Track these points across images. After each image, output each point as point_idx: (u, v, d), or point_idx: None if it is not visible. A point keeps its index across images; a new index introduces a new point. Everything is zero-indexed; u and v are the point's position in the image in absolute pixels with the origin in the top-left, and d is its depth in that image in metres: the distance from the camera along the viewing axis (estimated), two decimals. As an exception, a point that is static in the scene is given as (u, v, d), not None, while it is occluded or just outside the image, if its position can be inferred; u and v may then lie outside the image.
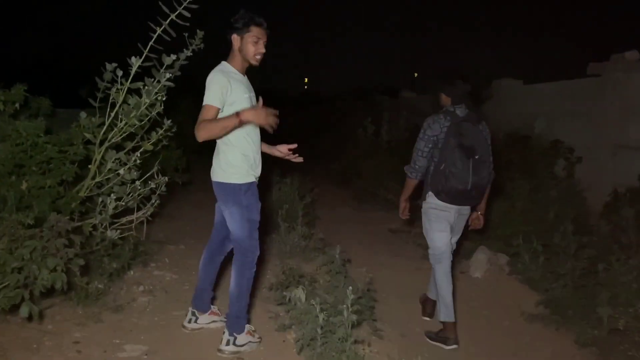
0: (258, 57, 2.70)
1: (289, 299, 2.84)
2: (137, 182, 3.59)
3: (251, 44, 2.65)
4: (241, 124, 2.51)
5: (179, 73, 4.15)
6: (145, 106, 3.34)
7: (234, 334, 2.75)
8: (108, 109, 3.35)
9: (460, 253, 4.70)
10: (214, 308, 3.09)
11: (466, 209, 3.27)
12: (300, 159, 2.96)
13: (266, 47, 2.71)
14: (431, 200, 3.19)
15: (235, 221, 2.69)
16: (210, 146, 2.78)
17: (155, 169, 3.97)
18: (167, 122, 3.58)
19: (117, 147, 3.65)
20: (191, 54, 4.11)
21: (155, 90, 3.29)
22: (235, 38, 2.66)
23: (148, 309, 3.22)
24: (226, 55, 2.74)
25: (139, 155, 3.43)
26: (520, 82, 7.90)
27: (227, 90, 2.57)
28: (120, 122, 3.40)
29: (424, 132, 3.13)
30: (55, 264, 2.47)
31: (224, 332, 2.78)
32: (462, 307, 3.67)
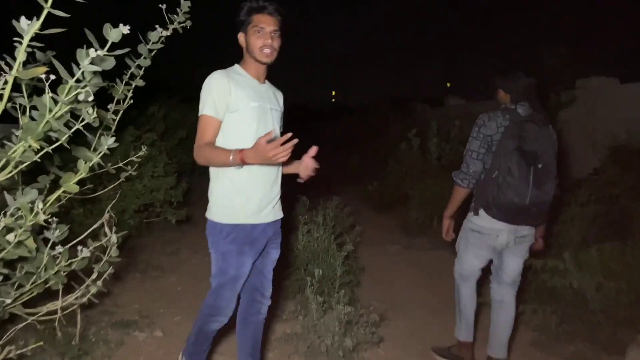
0: (266, 50, 2.12)
1: None
2: (59, 248, 2.03)
3: (254, 37, 2.13)
4: (244, 163, 1.95)
5: (148, 63, 2.67)
6: (57, 113, 1.78)
7: None
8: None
9: (594, 339, 3.00)
10: None
11: (525, 230, 2.64)
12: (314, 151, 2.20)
13: (282, 36, 2.17)
14: (474, 221, 2.68)
15: (212, 267, 2.18)
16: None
17: (104, 218, 2.42)
18: (108, 141, 2.01)
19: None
20: (169, 33, 2.66)
21: (72, 83, 1.72)
22: (240, 36, 2.19)
23: None
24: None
25: (41, 203, 1.84)
26: (615, 80, 6.15)
27: (226, 93, 2.07)
28: (20, 142, 1.85)
29: (477, 130, 2.64)
30: None
31: None
32: None
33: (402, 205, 6.95)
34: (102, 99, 2.39)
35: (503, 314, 2.76)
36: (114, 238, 2.24)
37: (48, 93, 1.74)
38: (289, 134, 1.81)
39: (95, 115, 1.90)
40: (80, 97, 1.79)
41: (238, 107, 2.08)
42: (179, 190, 4.51)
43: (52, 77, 1.71)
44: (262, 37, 2.11)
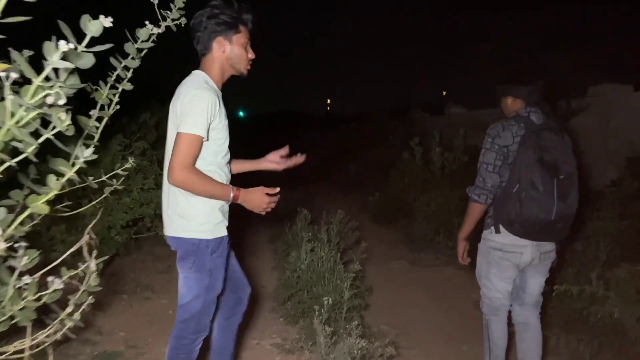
0: (249, 65, 2.13)
1: None
2: (26, 278, 1.71)
3: (243, 49, 2.08)
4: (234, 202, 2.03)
5: (137, 64, 2.38)
6: (22, 119, 1.47)
7: None
8: None
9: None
10: None
11: (549, 246, 2.46)
12: (302, 159, 2.38)
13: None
14: (493, 239, 2.45)
15: (190, 289, 2.02)
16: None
17: (84, 240, 2.10)
18: (85, 152, 1.70)
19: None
20: (161, 30, 2.37)
21: (39, 83, 1.42)
22: (220, 42, 2.04)
23: None
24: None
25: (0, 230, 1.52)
26: (629, 87, 5.91)
27: (216, 115, 1.98)
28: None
29: (492, 141, 2.40)
30: None
31: None
32: None
33: (405, 217, 6.67)
34: (86, 104, 2.12)
35: (529, 338, 2.53)
36: (93, 265, 1.92)
37: (10, 95, 1.44)
38: (278, 189, 2.02)
39: (69, 122, 1.59)
40: (49, 100, 1.49)
41: (218, 126, 2.05)
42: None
43: (14, 75, 1.41)
44: (249, 51, 2.11)
